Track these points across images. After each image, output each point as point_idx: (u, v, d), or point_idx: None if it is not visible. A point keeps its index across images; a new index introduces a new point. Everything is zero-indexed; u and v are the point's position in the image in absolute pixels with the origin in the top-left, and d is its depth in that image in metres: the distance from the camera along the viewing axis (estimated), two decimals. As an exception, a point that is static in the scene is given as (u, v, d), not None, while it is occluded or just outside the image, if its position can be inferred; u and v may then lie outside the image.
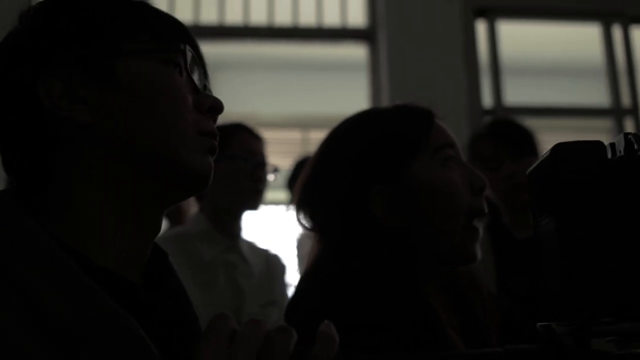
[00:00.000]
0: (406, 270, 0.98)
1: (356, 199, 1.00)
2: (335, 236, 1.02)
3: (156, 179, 0.72)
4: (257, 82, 4.84)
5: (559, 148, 0.70)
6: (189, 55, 0.76)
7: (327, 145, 1.09)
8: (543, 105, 3.47)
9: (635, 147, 0.65)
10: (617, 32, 3.55)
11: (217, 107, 0.77)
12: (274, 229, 4.76)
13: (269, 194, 4.16)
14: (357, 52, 3.64)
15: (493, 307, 1.08)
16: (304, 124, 5.21)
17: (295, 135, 5.20)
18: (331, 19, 3.50)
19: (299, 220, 1.07)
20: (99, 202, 0.70)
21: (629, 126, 3.44)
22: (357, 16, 3.52)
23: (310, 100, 5.04)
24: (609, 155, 0.69)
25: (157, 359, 0.62)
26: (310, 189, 1.07)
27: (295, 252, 2.78)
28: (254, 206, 1.96)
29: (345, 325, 0.77)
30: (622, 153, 0.70)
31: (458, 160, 1.03)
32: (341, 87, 4.90)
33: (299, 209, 1.07)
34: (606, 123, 3.51)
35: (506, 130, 2.16)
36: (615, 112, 3.47)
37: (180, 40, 0.76)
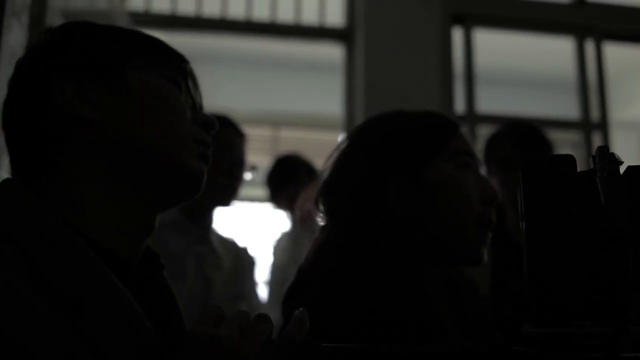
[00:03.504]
0: (411, 262, 1.00)
1: (372, 186, 1.03)
2: (344, 222, 1.04)
3: (153, 176, 0.81)
4: (230, 77, 4.82)
5: (529, 163, 0.72)
6: (188, 76, 0.88)
7: (353, 136, 1.13)
8: (514, 115, 3.50)
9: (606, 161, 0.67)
10: (589, 47, 3.59)
11: (211, 123, 0.88)
12: (251, 225, 4.75)
13: (247, 191, 4.12)
14: (333, 52, 3.64)
15: (487, 309, 1.12)
16: (275, 122, 5.21)
17: (265, 132, 5.19)
18: (310, 17, 3.49)
19: (317, 207, 1.09)
20: (99, 196, 0.79)
21: (597, 140, 3.49)
22: (335, 15, 3.51)
23: (283, 98, 5.03)
24: (579, 169, 0.72)
25: (150, 335, 0.71)
26: (331, 177, 1.09)
27: (272, 250, 2.78)
28: (226, 202, 1.95)
29: (342, 319, 0.86)
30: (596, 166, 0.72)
31: (475, 170, 1.08)
32: (315, 87, 4.91)
33: (319, 196, 1.09)
34: (575, 136, 3.55)
35: (527, 133, 2.16)
36: (584, 125, 3.51)
37: (181, 63, 0.88)
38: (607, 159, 0.69)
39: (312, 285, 0.99)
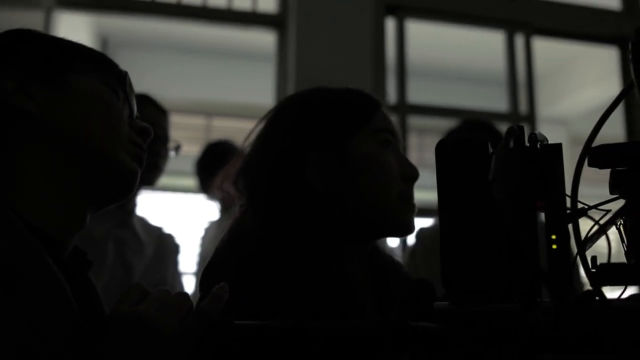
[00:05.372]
0: (330, 239, 0.99)
1: (291, 161, 1.02)
2: (263, 199, 1.02)
3: (88, 171, 0.85)
4: (160, 64, 4.72)
5: (440, 144, 0.71)
6: (127, 86, 0.92)
7: (274, 111, 1.11)
8: (444, 107, 3.54)
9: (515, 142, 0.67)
10: (519, 42, 3.66)
11: (147, 131, 0.92)
12: (181, 216, 4.68)
13: (177, 181, 4.00)
14: (267, 40, 3.59)
15: (408, 287, 1.11)
16: (208, 111, 5.14)
17: (198, 121, 5.12)
18: (242, 2, 3.43)
19: (236, 186, 1.07)
20: (36, 186, 0.82)
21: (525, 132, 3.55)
22: (268, 1, 3.46)
23: (216, 87, 4.96)
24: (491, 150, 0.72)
25: (75, 312, 0.75)
26: (250, 154, 1.08)
27: (199, 241, 2.72)
28: (150, 181, 1.90)
29: (258, 301, 0.87)
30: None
31: (395, 148, 1.07)
32: (249, 76, 4.86)
33: (238, 174, 1.07)
34: (503, 129, 3.61)
35: (483, 129, 2.32)
36: (512, 118, 3.58)
37: (120, 72, 0.93)
38: (511, 136, 0.70)
39: (229, 265, 0.96)
